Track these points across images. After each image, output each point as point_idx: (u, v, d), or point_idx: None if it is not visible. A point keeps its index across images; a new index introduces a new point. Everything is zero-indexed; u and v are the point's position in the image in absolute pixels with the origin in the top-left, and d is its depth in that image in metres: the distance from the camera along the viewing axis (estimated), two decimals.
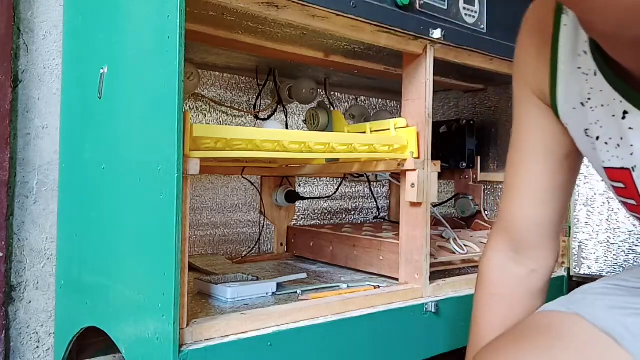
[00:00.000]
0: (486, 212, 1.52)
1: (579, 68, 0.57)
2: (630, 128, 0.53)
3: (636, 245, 1.25)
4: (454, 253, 1.19)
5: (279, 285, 0.98)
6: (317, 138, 0.93)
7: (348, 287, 1.01)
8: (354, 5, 0.89)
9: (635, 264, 1.25)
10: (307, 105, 1.44)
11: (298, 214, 1.52)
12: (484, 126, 1.54)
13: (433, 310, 0.99)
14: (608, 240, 1.28)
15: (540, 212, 0.69)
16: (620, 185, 0.59)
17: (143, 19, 0.77)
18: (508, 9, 1.18)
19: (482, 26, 1.12)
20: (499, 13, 1.15)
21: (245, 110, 1.40)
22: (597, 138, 0.57)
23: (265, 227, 1.44)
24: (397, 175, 1.17)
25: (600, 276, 1.25)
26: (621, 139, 0.54)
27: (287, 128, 1.44)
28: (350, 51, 1.13)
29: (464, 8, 1.08)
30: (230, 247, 1.38)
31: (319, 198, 1.57)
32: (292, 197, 1.42)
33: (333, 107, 1.56)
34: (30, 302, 1.07)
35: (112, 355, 1.08)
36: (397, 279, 1.07)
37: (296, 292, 0.96)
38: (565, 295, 0.68)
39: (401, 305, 0.96)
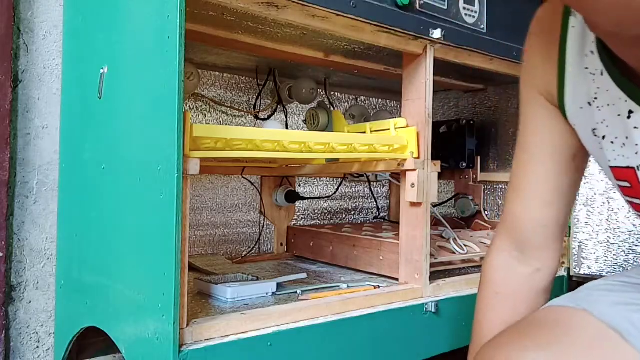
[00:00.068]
0: (486, 212, 1.52)
1: (586, 68, 0.57)
2: (635, 127, 0.53)
3: (636, 245, 1.25)
4: (454, 253, 1.19)
5: (279, 285, 0.98)
6: (317, 138, 0.93)
7: (348, 287, 1.01)
8: (354, 5, 0.89)
9: (635, 264, 1.25)
10: (307, 105, 1.44)
11: (298, 214, 1.52)
12: (484, 126, 1.54)
13: (433, 310, 0.99)
14: (608, 240, 1.28)
15: (546, 213, 0.69)
16: (626, 184, 0.59)
17: (143, 19, 0.77)
18: (508, 9, 1.18)
19: (482, 26, 1.12)
20: (499, 13, 1.15)
21: (245, 110, 1.40)
22: (604, 137, 0.58)
23: (265, 227, 1.44)
24: (397, 175, 1.17)
25: (600, 276, 1.25)
26: (627, 138, 0.55)
27: (287, 128, 1.44)
28: (350, 51, 1.13)
29: (464, 8, 1.08)
30: (230, 247, 1.38)
31: (319, 198, 1.57)
32: (292, 197, 1.42)
33: (333, 107, 1.56)
34: (30, 302, 1.07)
35: (112, 355, 1.08)
36: (397, 279, 1.07)
37: (296, 292, 0.96)
38: (571, 292, 0.68)
39: (401, 305, 0.96)
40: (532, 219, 0.70)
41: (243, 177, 1.39)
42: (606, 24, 0.44)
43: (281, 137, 0.87)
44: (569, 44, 0.59)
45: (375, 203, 1.71)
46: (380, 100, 1.73)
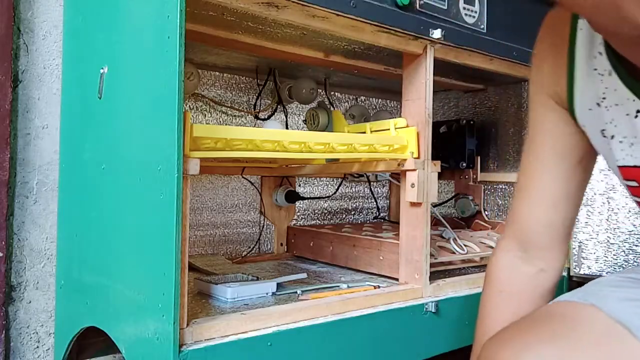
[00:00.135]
0: (486, 212, 1.52)
1: (595, 69, 0.58)
2: None
3: (636, 245, 1.25)
4: (454, 253, 1.19)
5: (279, 285, 0.98)
6: (317, 138, 0.93)
7: (348, 287, 1.01)
8: (354, 5, 0.89)
9: (635, 264, 1.25)
10: (307, 105, 1.44)
11: (298, 214, 1.52)
12: (484, 126, 1.54)
13: (433, 310, 0.99)
14: (608, 240, 1.28)
15: (552, 214, 0.70)
16: (634, 183, 0.59)
17: (143, 19, 0.77)
18: (508, 9, 1.18)
19: (482, 26, 1.12)
20: (499, 13, 1.15)
21: (245, 110, 1.40)
22: (612, 137, 0.59)
23: (265, 227, 1.44)
24: (397, 175, 1.17)
25: (600, 276, 1.25)
26: (635, 137, 0.56)
27: (287, 128, 1.44)
28: (350, 51, 1.13)
29: (464, 8, 1.08)
30: (230, 247, 1.38)
31: (319, 198, 1.57)
32: (292, 197, 1.42)
33: (333, 107, 1.56)
34: (30, 302, 1.07)
35: (112, 355, 1.08)
36: (397, 279, 1.07)
37: (296, 292, 0.96)
38: (578, 288, 0.67)
39: (401, 305, 0.96)
40: (538, 219, 0.70)
41: (243, 177, 1.39)
42: (606, 24, 0.45)
43: (281, 137, 0.87)
44: (577, 47, 0.60)
45: (375, 203, 1.71)
46: (380, 100, 1.73)
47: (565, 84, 0.63)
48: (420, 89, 1.03)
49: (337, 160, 1.15)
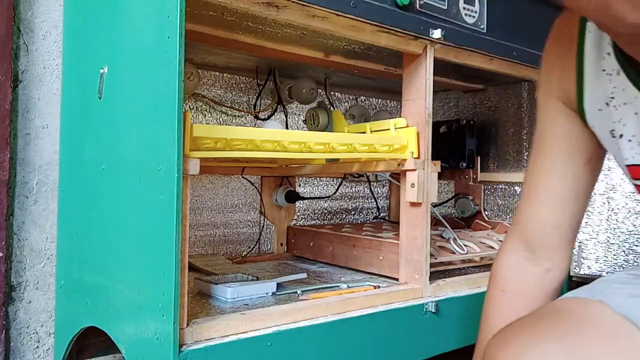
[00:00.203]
0: (486, 212, 1.52)
1: (603, 70, 0.59)
2: None
3: (636, 245, 1.25)
4: (454, 253, 1.19)
5: (279, 285, 0.98)
6: (317, 138, 0.93)
7: (348, 287, 1.01)
8: (354, 5, 0.89)
9: (635, 264, 1.25)
10: (307, 105, 1.44)
11: (298, 214, 1.52)
12: (484, 126, 1.54)
13: (433, 310, 0.99)
14: (608, 240, 1.28)
15: (559, 214, 0.70)
16: None
17: (143, 19, 0.77)
18: (508, 9, 1.18)
19: (482, 26, 1.12)
20: (499, 13, 1.15)
21: (245, 110, 1.40)
22: (621, 136, 0.59)
23: (265, 227, 1.44)
24: (397, 175, 1.17)
25: (600, 276, 1.25)
26: None
27: (287, 128, 1.44)
28: (350, 51, 1.13)
29: (464, 8, 1.08)
30: (230, 247, 1.38)
31: (319, 198, 1.57)
32: (292, 197, 1.42)
33: (333, 107, 1.56)
34: (30, 302, 1.07)
35: (112, 355, 1.08)
36: (397, 279, 1.07)
37: (296, 292, 0.96)
38: (586, 285, 0.67)
39: (401, 305, 0.96)
40: (546, 220, 0.71)
41: (243, 177, 1.39)
42: (611, 24, 0.45)
43: (281, 137, 0.87)
44: (586, 49, 0.61)
45: (375, 203, 1.71)
46: (380, 100, 1.73)
47: (575, 86, 0.64)
48: (420, 89, 1.03)
49: (337, 160, 1.15)
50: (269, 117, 1.42)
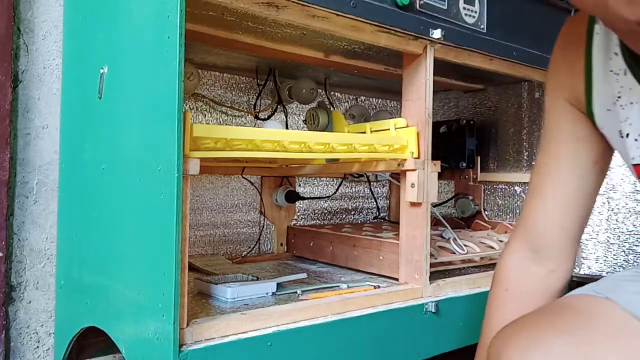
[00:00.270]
0: (486, 212, 1.52)
1: (611, 70, 0.60)
2: None
3: (636, 245, 1.25)
4: (454, 253, 1.19)
5: (279, 285, 0.98)
6: (317, 138, 0.93)
7: (348, 287, 1.01)
8: (354, 5, 0.89)
9: (635, 264, 1.25)
10: (307, 105, 1.44)
11: (298, 214, 1.52)
12: (484, 126, 1.54)
13: (433, 310, 0.99)
14: (608, 240, 1.28)
15: (566, 216, 0.70)
16: None
17: (143, 19, 0.77)
18: (508, 9, 1.18)
19: (482, 26, 1.12)
20: (499, 13, 1.15)
21: (245, 110, 1.40)
22: (627, 135, 0.59)
23: (265, 227, 1.44)
24: (397, 175, 1.17)
25: (600, 276, 1.25)
26: None
27: (287, 128, 1.44)
28: (350, 51, 1.13)
29: (464, 8, 1.08)
30: (230, 247, 1.38)
31: (319, 198, 1.57)
32: (292, 197, 1.42)
33: (333, 107, 1.56)
34: (30, 302, 1.07)
35: (112, 355, 1.08)
36: (397, 279, 1.07)
37: (296, 292, 0.96)
38: (593, 282, 0.67)
39: (401, 305, 0.96)
40: (551, 221, 0.71)
41: (243, 177, 1.39)
42: (617, 23, 0.46)
43: (281, 137, 0.87)
44: (594, 51, 0.62)
45: (375, 203, 1.71)
46: (380, 100, 1.73)
47: (583, 88, 0.64)
48: (420, 89, 1.03)
49: (337, 160, 1.15)
50: (269, 117, 1.42)
